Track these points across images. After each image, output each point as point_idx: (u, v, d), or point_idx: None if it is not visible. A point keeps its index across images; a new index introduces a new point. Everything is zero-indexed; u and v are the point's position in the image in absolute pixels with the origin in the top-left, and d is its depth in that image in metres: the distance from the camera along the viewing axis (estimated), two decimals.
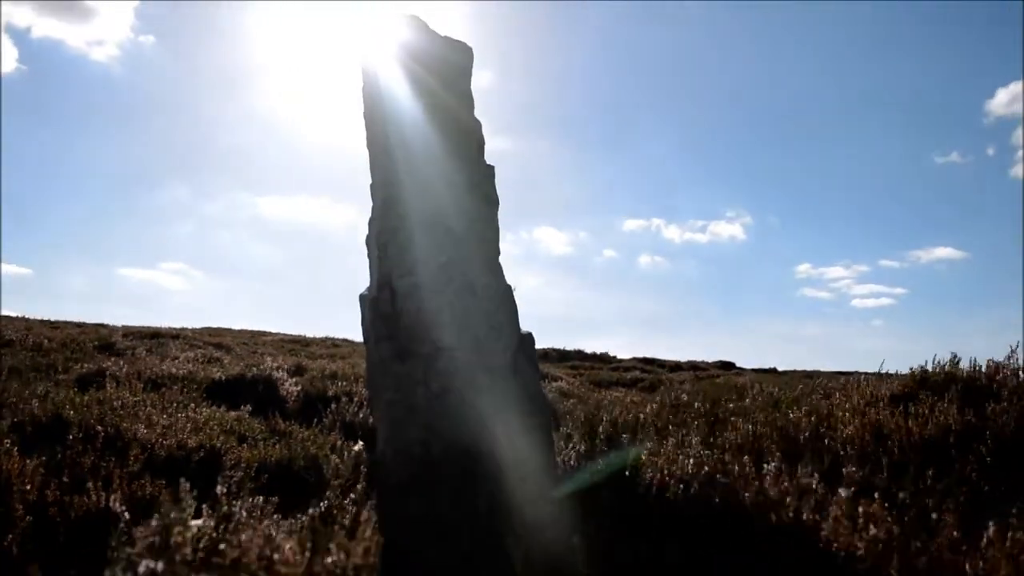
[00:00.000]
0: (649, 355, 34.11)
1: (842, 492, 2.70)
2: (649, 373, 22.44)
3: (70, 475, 3.50)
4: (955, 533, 2.60)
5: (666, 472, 3.67)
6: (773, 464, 3.22)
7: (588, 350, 33.92)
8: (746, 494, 3.03)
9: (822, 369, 33.48)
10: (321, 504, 2.80)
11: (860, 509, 2.72)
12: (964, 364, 4.90)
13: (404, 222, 4.40)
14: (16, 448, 3.47)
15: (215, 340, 18.45)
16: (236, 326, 31.94)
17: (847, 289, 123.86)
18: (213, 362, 11.15)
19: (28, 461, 3.44)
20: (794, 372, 30.62)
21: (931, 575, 2.48)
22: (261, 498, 2.29)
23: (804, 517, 2.81)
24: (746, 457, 3.38)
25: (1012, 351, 4.74)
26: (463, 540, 3.30)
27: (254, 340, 24.15)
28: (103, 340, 13.53)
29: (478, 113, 4.70)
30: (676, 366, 30.58)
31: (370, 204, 4.54)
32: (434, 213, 4.35)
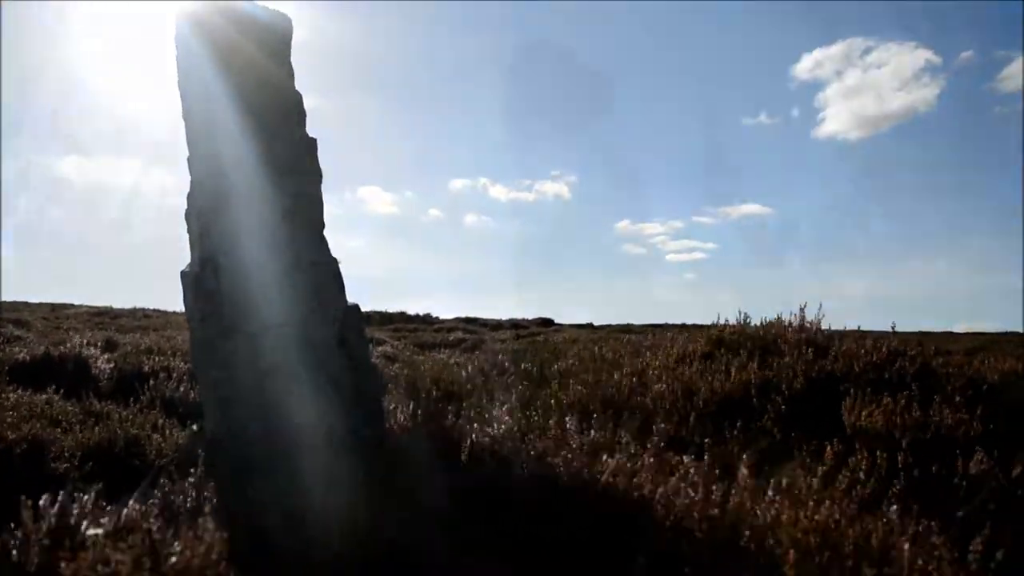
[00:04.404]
0: (472, 315, 34.72)
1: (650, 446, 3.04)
2: (472, 333, 22.85)
3: None
4: (751, 481, 2.95)
5: (478, 438, 3.86)
6: (571, 423, 3.50)
7: (412, 311, 34.04)
8: (556, 458, 3.29)
9: (635, 323, 35.47)
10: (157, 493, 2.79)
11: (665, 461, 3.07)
12: (756, 321, 5.47)
13: (225, 198, 4.31)
14: None
15: (12, 316, 17.06)
16: (34, 299, 29.65)
17: (662, 244, 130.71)
18: (13, 341, 10.37)
19: None
20: (609, 327, 32.21)
21: (728, 521, 2.81)
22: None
23: (605, 478, 3.09)
24: (553, 420, 3.65)
25: (802, 310, 5.35)
26: (307, 522, 3.38)
27: (56, 315, 22.58)
28: None
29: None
30: (498, 325, 31.19)
31: (183, 172, 4.38)
32: (256, 188, 4.28)
